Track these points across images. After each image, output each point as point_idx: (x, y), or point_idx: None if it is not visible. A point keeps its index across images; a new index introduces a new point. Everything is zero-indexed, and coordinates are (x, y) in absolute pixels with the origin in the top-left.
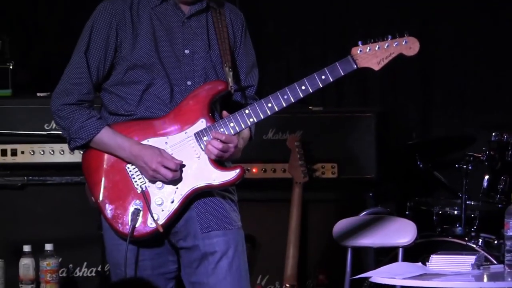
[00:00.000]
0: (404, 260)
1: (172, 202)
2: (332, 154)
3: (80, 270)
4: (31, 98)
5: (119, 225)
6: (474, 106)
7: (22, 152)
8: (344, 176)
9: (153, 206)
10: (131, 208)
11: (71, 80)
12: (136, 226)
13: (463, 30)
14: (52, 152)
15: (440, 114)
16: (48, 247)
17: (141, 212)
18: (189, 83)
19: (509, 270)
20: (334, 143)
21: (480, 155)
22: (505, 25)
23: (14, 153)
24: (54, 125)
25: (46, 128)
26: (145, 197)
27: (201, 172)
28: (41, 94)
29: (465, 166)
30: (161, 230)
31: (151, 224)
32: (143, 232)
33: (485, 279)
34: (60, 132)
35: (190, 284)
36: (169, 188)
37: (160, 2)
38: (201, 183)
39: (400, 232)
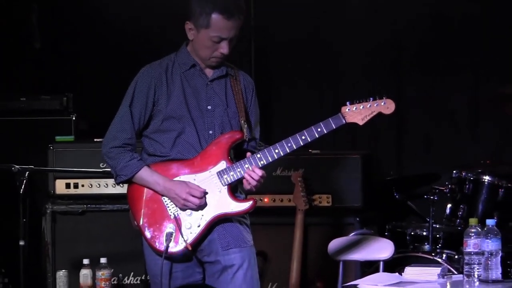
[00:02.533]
0: (384, 271)
1: (199, 226)
2: (327, 187)
3: (128, 279)
4: (89, 143)
5: (156, 244)
6: (438, 150)
7: (82, 185)
8: (336, 205)
9: (183, 230)
10: (166, 231)
11: (118, 128)
12: (170, 245)
13: (425, 94)
14: (106, 185)
15: (411, 156)
16: (103, 260)
17: (174, 234)
18: (210, 132)
19: (467, 279)
20: (329, 178)
21: (443, 188)
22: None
23: (76, 186)
24: None
25: (101, 166)
26: (177, 222)
27: (222, 203)
28: (97, 140)
29: (431, 197)
30: (189, 248)
31: (182, 244)
32: (175, 250)
33: (448, 286)
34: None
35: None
36: (196, 215)
37: (189, 68)
38: (221, 211)
39: (381, 249)
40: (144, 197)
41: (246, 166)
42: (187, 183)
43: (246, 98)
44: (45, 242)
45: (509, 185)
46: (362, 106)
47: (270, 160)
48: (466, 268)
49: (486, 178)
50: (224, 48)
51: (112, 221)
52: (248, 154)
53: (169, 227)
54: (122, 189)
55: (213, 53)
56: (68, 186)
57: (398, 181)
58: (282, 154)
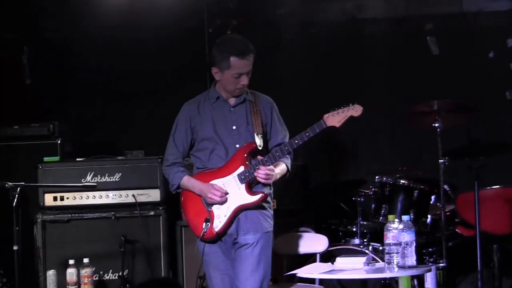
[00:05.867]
0: (320, 261)
1: (225, 216)
2: (273, 193)
3: (107, 275)
4: (72, 162)
5: (198, 232)
6: (364, 160)
7: (67, 198)
8: (281, 207)
9: (215, 220)
10: (204, 221)
11: (167, 152)
12: (207, 231)
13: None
14: (87, 197)
15: (342, 165)
16: (86, 260)
17: (209, 224)
18: (237, 145)
19: (388, 265)
20: (274, 185)
21: (368, 191)
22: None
23: (62, 198)
24: (88, 179)
25: (82, 181)
26: (210, 215)
27: (241, 197)
28: (79, 159)
29: (359, 199)
30: (215, 235)
31: (214, 230)
32: (210, 236)
33: (372, 272)
34: (92, 184)
35: (233, 259)
36: (224, 208)
37: (215, 100)
38: (241, 203)
39: (317, 243)
40: (190, 198)
41: (257, 167)
42: (213, 185)
43: (265, 115)
44: (37, 247)
45: (421, 187)
46: (338, 112)
47: (273, 161)
48: (386, 256)
49: (403, 181)
50: (244, 80)
51: (93, 227)
52: (259, 157)
53: (206, 219)
54: (101, 200)
55: (236, 86)
56: (55, 199)
57: (331, 186)
58: (282, 155)
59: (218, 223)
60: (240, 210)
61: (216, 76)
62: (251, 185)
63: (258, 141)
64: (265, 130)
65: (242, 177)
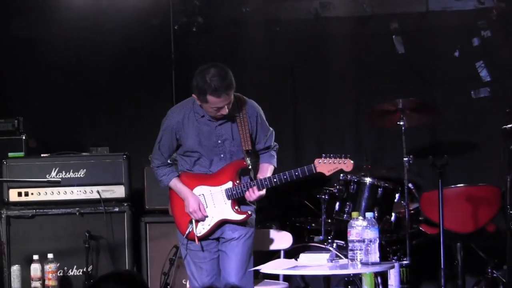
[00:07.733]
0: (284, 258)
1: (209, 225)
2: None
3: (71, 271)
4: (37, 158)
5: (182, 230)
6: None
7: (32, 193)
8: None
9: (198, 225)
10: (188, 223)
11: (153, 156)
12: (190, 232)
13: (318, 114)
14: (52, 193)
15: (306, 163)
16: (50, 256)
17: (192, 226)
18: (222, 156)
19: (351, 262)
20: None
21: (333, 189)
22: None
23: (26, 194)
24: (53, 175)
25: (47, 177)
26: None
27: (225, 211)
28: (44, 155)
29: (323, 197)
30: (197, 243)
31: (197, 235)
32: (192, 237)
33: (335, 268)
34: (56, 179)
35: (220, 252)
36: (208, 217)
37: (201, 117)
38: (224, 217)
39: (282, 240)
40: (177, 197)
41: (244, 189)
42: (199, 203)
43: (251, 124)
44: (1, 242)
45: (386, 185)
46: (330, 161)
47: (261, 188)
48: (350, 253)
49: (367, 179)
50: (224, 111)
51: (57, 223)
52: (258, 177)
53: (190, 221)
54: (65, 196)
55: (217, 114)
56: (20, 194)
57: (295, 183)
58: (269, 186)
59: (202, 230)
60: (224, 222)
61: (197, 101)
62: (237, 200)
63: (247, 160)
64: (252, 137)
65: (229, 193)
